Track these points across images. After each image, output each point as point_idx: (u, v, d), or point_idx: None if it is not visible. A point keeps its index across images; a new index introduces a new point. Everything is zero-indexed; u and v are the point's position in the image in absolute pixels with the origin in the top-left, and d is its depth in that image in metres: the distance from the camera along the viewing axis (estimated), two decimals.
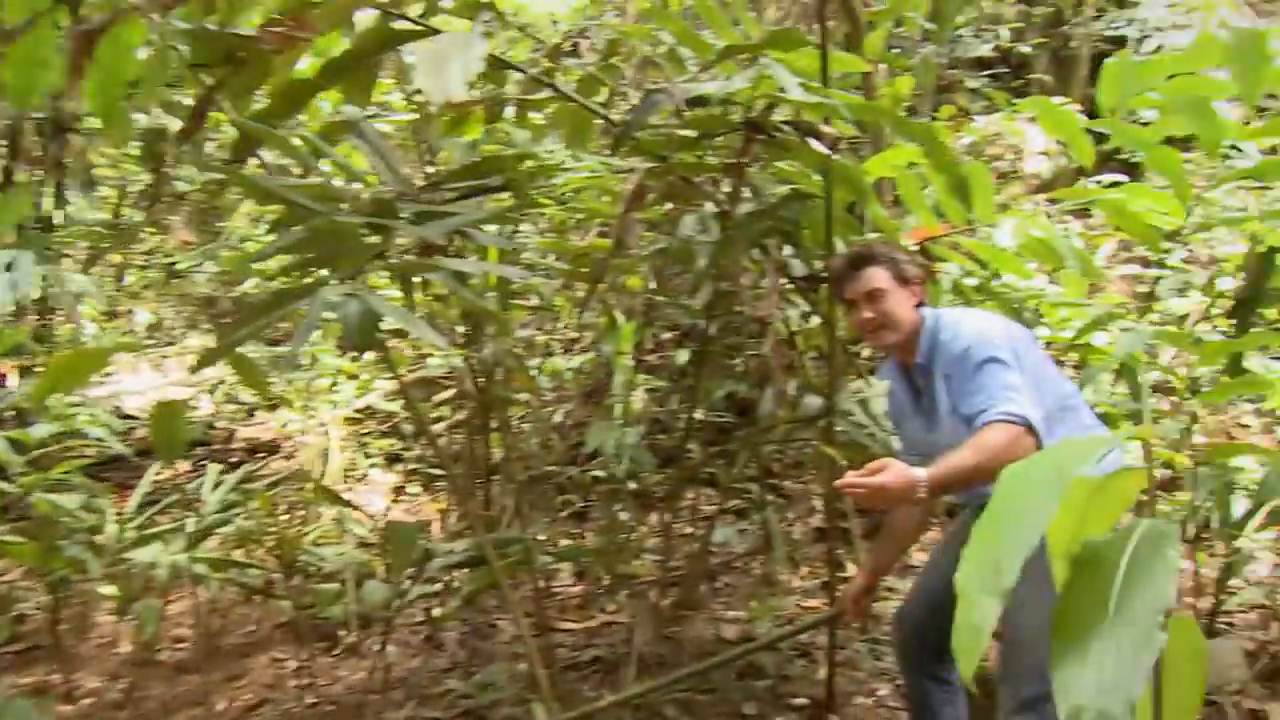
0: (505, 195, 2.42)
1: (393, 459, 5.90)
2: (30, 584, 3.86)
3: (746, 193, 2.80)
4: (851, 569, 3.99)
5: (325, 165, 2.26)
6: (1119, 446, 0.88)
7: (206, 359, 1.57)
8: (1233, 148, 3.17)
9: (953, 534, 2.58)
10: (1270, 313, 3.19)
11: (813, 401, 3.29)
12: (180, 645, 3.99)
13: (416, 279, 2.95)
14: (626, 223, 2.66)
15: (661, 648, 3.48)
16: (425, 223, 1.91)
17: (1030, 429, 1.95)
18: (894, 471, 1.85)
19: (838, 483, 1.89)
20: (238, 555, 3.91)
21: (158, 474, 4.81)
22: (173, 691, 3.58)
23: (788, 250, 3.06)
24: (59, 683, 3.54)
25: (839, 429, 2.83)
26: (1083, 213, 5.59)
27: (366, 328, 2.22)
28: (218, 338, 1.63)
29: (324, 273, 1.89)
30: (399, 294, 2.34)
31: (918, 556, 4.25)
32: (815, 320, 3.31)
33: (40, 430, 3.69)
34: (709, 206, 3.05)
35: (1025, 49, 7.63)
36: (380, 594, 2.75)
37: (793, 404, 3.31)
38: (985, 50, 7.51)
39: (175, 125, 2.27)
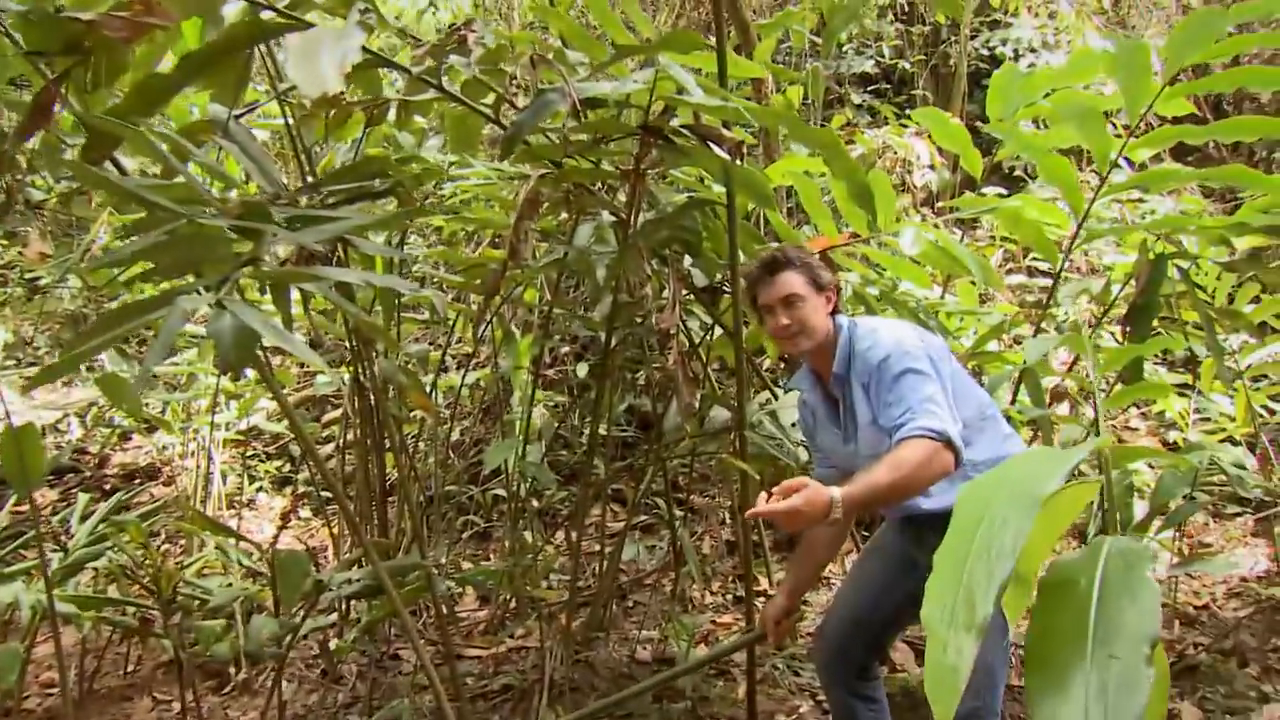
0: (390, 201, 2.28)
1: (281, 482, 5.63)
2: None
3: (645, 202, 2.73)
4: (765, 583, 3.95)
5: (194, 170, 2.09)
6: (1080, 459, 0.81)
7: (45, 375, 1.40)
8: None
9: (871, 548, 2.51)
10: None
11: (719, 414, 3.23)
12: (51, 690, 3.68)
13: (297, 293, 2.78)
14: (520, 232, 2.56)
15: (573, 671, 3.37)
16: (302, 228, 1.77)
17: (949, 444, 1.89)
18: (808, 494, 1.77)
19: (750, 511, 1.81)
20: (113, 591, 3.64)
21: (17, 505, 4.48)
22: None
23: (688, 261, 3.01)
24: None
25: (748, 441, 2.76)
26: (969, 225, 5.72)
27: (243, 345, 2.06)
28: (62, 352, 1.46)
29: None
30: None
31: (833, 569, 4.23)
32: (719, 332, 3.27)
33: None
34: (606, 216, 2.97)
35: (906, 65, 7.83)
36: (268, 628, 2.56)
37: (699, 417, 3.25)
38: (868, 66, 7.70)
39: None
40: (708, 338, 3.38)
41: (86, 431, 5.94)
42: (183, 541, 4.71)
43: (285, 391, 6.11)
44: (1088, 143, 2.64)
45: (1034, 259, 5.32)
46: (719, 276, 2.94)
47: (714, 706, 3.12)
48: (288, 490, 5.53)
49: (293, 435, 5.40)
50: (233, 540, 3.75)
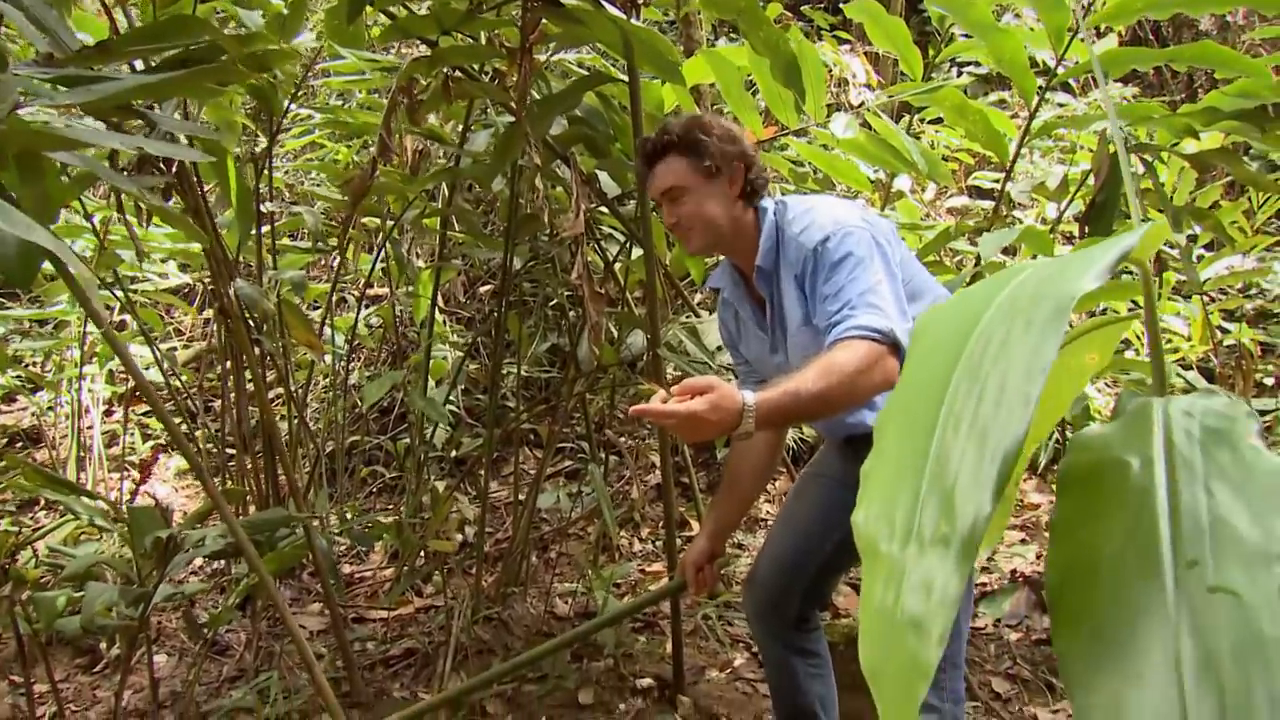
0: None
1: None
2: None
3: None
4: (695, 527, 3.66)
5: None
6: (1127, 249, 0.45)
7: None
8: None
9: (808, 475, 2.13)
10: None
11: (639, 341, 2.90)
12: None
13: (129, 204, 2.37)
14: (389, 125, 2.18)
15: (484, 631, 3.05)
16: (72, 88, 1.37)
17: (895, 347, 1.54)
18: (713, 397, 1.41)
19: (635, 409, 1.44)
20: None
21: None
22: None
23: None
24: None
25: (668, 364, 2.43)
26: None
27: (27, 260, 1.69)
28: None
29: None
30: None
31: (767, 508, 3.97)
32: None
33: None
34: (503, 120, 2.60)
35: None
36: (106, 597, 2.18)
37: (616, 344, 2.92)
38: None
39: None
40: (624, 257, 3.04)
41: None
42: (62, 508, 4.30)
43: (182, 341, 5.66)
44: (1040, 11, 2.31)
45: (975, 180, 5.02)
46: (632, 180, 2.59)
47: (639, 663, 2.82)
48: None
49: (195, 387, 4.98)
50: (90, 502, 3.32)
